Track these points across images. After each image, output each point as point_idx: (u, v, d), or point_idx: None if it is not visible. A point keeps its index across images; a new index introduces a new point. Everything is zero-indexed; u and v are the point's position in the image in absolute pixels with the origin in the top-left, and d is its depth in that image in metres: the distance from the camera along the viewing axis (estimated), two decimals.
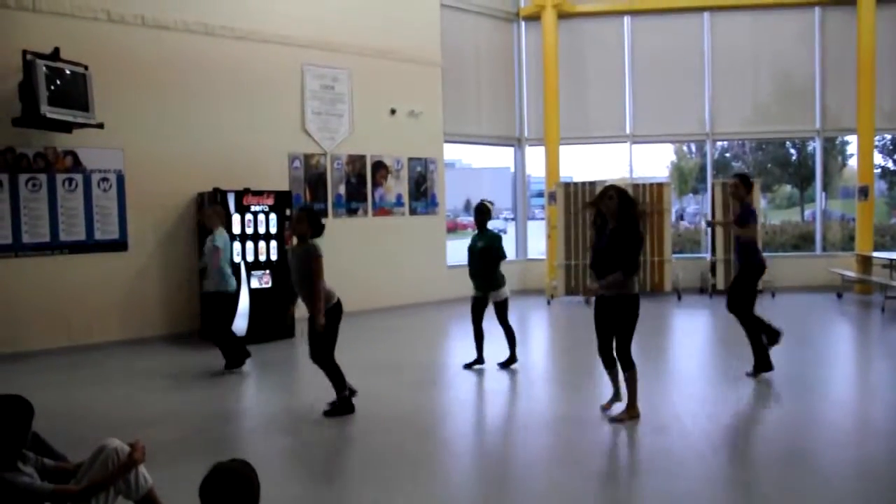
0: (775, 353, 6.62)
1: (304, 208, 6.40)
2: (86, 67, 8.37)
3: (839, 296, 12.25)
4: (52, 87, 7.92)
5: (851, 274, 12.39)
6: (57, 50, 8.15)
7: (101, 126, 8.47)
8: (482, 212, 7.35)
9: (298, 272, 5.73)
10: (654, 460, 4.74)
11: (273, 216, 9.47)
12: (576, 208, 12.54)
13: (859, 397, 6.22)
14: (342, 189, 11.32)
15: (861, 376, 6.79)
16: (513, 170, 14.68)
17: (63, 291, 8.80)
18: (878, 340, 9.34)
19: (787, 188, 20.76)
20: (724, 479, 4.47)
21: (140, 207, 9.30)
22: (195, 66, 9.71)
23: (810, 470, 4.59)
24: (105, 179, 9.10)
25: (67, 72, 8.17)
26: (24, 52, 7.93)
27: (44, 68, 7.83)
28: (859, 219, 13.19)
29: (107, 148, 9.00)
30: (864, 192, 12.94)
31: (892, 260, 11.61)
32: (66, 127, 8.35)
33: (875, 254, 12.48)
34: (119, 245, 9.22)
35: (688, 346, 9.37)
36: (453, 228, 18.27)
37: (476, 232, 7.45)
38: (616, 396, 5.68)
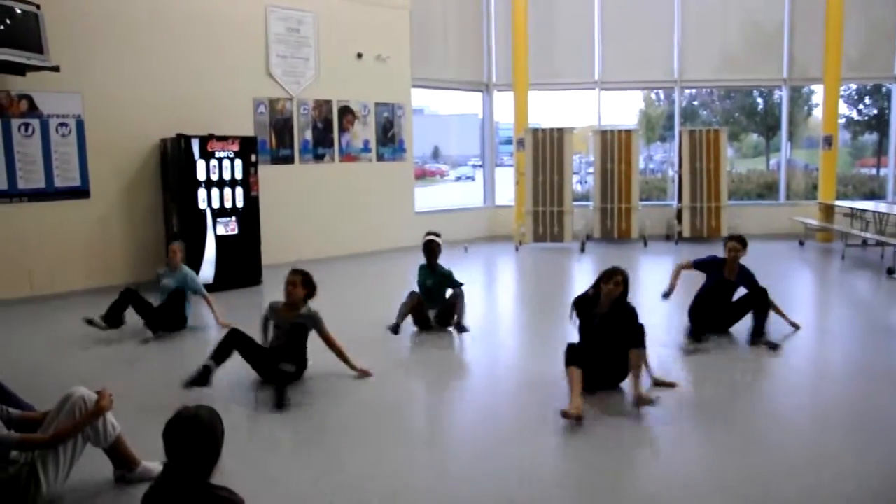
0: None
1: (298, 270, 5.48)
2: (38, 6, 8.02)
3: (801, 243, 12.51)
4: (2, 27, 7.59)
5: (814, 222, 12.63)
6: None
7: (56, 69, 8.16)
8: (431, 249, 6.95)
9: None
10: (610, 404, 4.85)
11: (238, 162, 9.34)
12: (544, 155, 12.54)
13: (816, 343, 6.40)
14: (308, 134, 11.14)
15: (819, 322, 6.97)
16: (481, 116, 14.57)
17: (24, 241, 8.62)
18: (837, 287, 9.59)
19: (753, 137, 20.90)
20: (683, 425, 4.59)
21: (101, 153, 9.07)
22: (155, 6, 9.38)
23: (766, 414, 4.74)
24: (64, 124, 8.84)
25: (18, 10, 7.80)
26: None
27: None
28: (823, 168, 13.39)
29: (64, 91, 8.72)
30: (828, 141, 13.10)
31: (853, 209, 11.85)
32: (20, 69, 8.04)
33: (837, 202, 12.73)
34: (80, 192, 9.01)
35: (653, 290, 9.50)
36: (421, 175, 18.15)
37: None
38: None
